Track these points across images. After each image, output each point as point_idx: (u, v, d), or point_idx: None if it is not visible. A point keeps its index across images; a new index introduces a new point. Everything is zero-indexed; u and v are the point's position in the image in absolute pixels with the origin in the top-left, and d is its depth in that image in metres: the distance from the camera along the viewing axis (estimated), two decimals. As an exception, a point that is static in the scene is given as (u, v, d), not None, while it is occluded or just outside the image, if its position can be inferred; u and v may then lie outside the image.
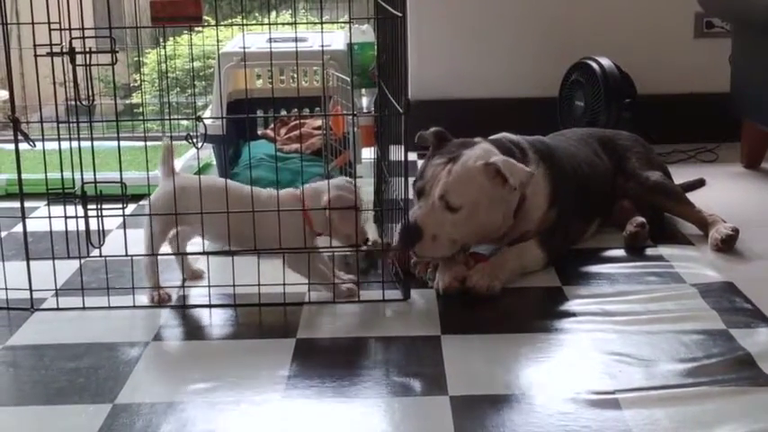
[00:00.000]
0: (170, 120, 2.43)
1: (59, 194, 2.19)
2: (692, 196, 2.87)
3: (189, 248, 2.38)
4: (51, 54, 2.11)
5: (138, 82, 5.07)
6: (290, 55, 2.40)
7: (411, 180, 2.38)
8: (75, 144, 2.17)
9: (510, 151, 2.43)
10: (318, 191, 2.24)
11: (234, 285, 2.25)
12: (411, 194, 2.38)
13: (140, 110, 4.51)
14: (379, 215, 2.66)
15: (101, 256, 2.23)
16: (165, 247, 2.31)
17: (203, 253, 2.32)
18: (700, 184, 3.20)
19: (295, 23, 2.39)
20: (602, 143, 2.84)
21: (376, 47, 2.65)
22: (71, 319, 2.18)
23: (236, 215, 2.19)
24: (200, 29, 5.06)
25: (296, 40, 2.55)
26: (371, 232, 2.39)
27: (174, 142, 2.42)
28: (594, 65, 3.52)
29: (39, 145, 2.16)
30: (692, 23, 3.84)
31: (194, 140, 2.20)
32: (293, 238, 2.21)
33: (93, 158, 2.18)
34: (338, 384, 1.84)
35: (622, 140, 2.89)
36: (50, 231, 2.26)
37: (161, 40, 3.44)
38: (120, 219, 2.22)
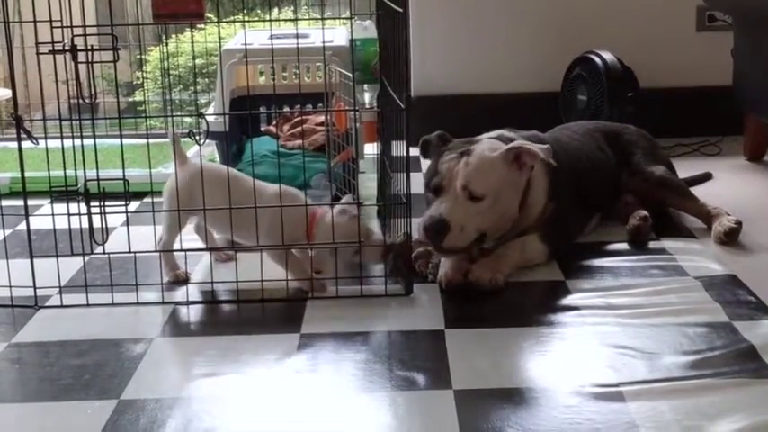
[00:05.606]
0: (172, 117, 2.43)
1: (63, 192, 2.19)
2: (696, 190, 2.87)
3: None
4: (53, 52, 2.11)
5: (141, 79, 5.08)
6: (292, 51, 2.40)
7: (413, 174, 2.37)
8: (77, 142, 2.18)
9: None
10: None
11: (237, 282, 2.25)
12: (425, 193, 2.38)
13: (143, 107, 4.51)
14: (383, 210, 2.66)
15: (104, 253, 2.24)
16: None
17: (206, 249, 2.32)
18: (706, 177, 3.19)
19: (296, 20, 2.39)
20: (607, 137, 2.84)
21: (378, 43, 2.65)
22: (75, 316, 2.19)
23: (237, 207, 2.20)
24: (202, 26, 5.07)
25: (297, 36, 2.55)
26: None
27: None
28: (597, 59, 3.52)
29: (42, 143, 2.17)
30: (694, 17, 3.84)
31: (197, 137, 2.20)
32: (287, 234, 2.22)
33: (96, 156, 2.18)
34: (342, 379, 1.84)
35: (628, 135, 2.88)
36: (54, 229, 2.27)
37: (163, 37, 3.45)
38: (124, 216, 2.23)
